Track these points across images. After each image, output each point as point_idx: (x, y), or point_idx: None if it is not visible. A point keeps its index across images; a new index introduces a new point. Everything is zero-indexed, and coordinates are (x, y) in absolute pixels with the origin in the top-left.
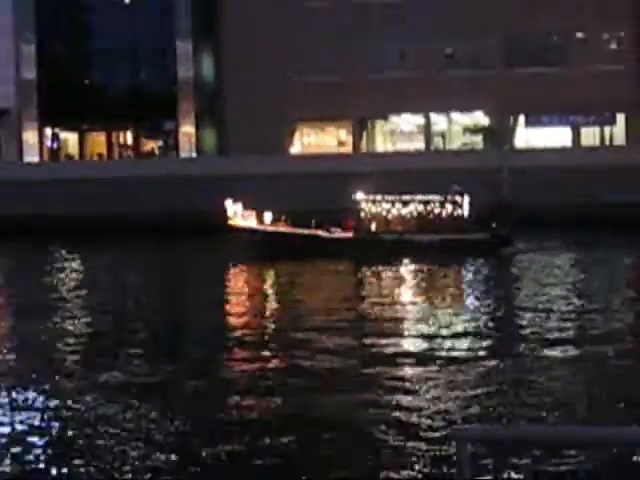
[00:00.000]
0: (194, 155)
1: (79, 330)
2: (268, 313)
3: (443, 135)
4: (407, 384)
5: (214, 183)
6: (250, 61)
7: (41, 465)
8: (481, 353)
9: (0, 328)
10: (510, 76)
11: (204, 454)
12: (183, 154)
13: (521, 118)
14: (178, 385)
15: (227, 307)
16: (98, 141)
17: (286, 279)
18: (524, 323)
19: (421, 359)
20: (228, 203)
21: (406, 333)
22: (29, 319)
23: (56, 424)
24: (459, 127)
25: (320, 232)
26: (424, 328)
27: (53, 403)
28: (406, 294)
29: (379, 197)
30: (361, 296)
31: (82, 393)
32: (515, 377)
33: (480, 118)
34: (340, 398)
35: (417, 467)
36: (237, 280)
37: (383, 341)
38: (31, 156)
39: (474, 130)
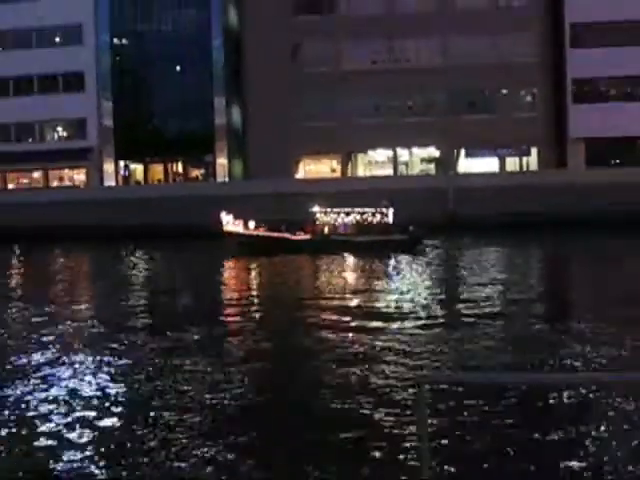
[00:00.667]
0: (227, 180)
1: (150, 302)
2: (254, 289)
3: (406, 164)
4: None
5: (222, 200)
6: (266, 111)
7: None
8: (405, 311)
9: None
10: (454, 121)
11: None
12: (219, 179)
13: (462, 151)
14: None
15: (226, 286)
16: (157, 170)
17: (264, 268)
18: (431, 292)
19: (363, 316)
20: (223, 215)
21: (349, 299)
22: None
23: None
24: (417, 158)
25: (288, 235)
26: (362, 298)
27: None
28: (348, 277)
29: (329, 209)
30: (317, 278)
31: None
32: (441, 333)
33: (433, 151)
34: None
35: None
36: (231, 269)
37: (335, 302)
38: (109, 182)
39: (428, 160)
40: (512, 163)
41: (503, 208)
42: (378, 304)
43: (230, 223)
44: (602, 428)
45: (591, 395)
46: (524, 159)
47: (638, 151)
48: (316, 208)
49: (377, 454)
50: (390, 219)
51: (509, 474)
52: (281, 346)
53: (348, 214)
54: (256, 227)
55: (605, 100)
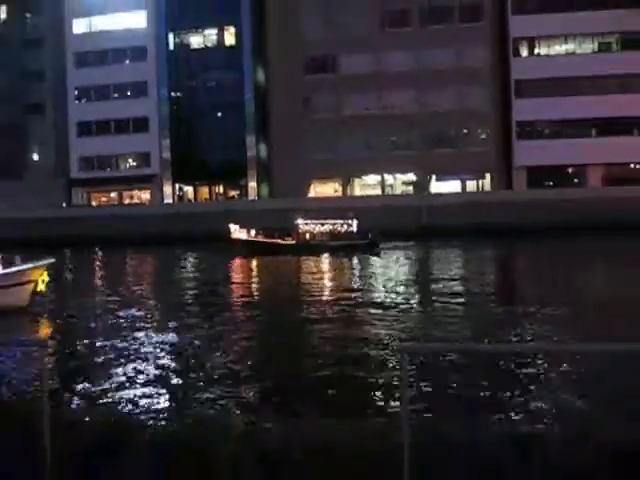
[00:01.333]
0: (256, 199)
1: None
2: (254, 278)
3: (391, 186)
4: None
5: (235, 214)
6: (285, 147)
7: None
8: (370, 295)
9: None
10: (428, 154)
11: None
12: (250, 197)
13: (433, 176)
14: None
15: (234, 277)
16: (204, 191)
17: (262, 265)
18: (385, 279)
19: (339, 291)
20: (231, 225)
21: (328, 285)
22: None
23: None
24: (399, 182)
25: (279, 240)
26: (336, 284)
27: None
28: (325, 270)
29: (309, 221)
30: (301, 271)
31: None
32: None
33: (411, 177)
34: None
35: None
36: (236, 265)
37: (316, 289)
38: (168, 200)
39: (408, 183)
40: (471, 185)
41: (464, 219)
42: (346, 284)
43: (237, 231)
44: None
45: (533, 361)
46: (480, 182)
47: (567, 176)
48: (300, 220)
49: (363, 410)
50: (354, 228)
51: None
52: (281, 316)
53: (323, 224)
54: (256, 234)
55: (542, 137)
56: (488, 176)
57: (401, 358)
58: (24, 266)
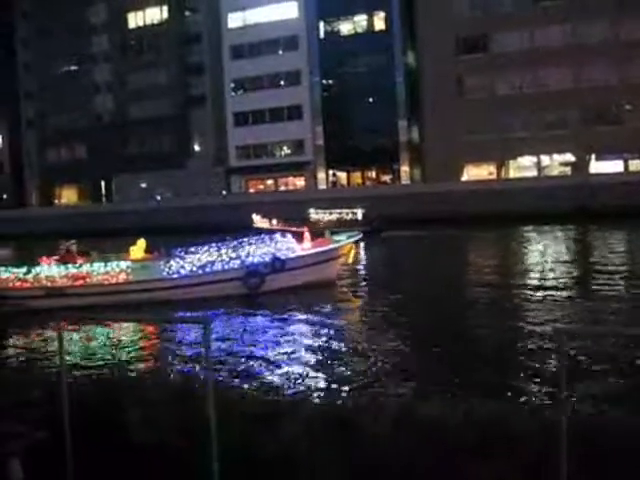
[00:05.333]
0: (409, 182)
1: None
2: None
3: (548, 167)
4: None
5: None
6: (438, 129)
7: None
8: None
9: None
10: (587, 132)
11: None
12: (403, 182)
13: (593, 156)
14: None
15: None
16: (356, 176)
17: None
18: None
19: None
20: (254, 215)
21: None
22: None
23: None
24: (556, 163)
25: (294, 228)
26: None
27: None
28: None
29: (320, 211)
30: None
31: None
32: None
33: (569, 157)
34: None
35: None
36: None
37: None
38: (321, 186)
39: (565, 164)
40: (635, 164)
41: (630, 201)
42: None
43: (259, 221)
44: None
45: None
46: None
47: None
48: (312, 210)
49: (520, 386)
50: (359, 217)
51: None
52: None
53: (331, 214)
54: (277, 223)
55: None
56: None
57: (558, 341)
58: (339, 243)
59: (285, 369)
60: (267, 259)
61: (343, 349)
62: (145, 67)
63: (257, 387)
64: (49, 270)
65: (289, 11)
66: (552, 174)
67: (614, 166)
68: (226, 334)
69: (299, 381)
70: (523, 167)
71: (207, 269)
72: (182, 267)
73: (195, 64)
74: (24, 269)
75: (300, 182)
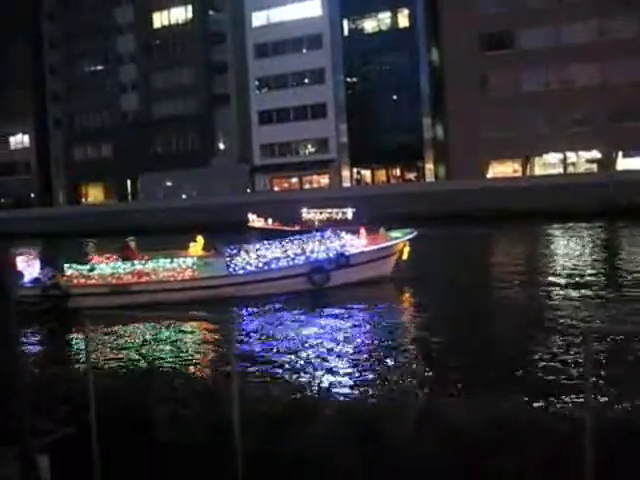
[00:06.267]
0: (433, 180)
1: None
2: None
3: (574, 164)
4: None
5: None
6: (462, 127)
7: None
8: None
9: None
10: (614, 129)
11: None
12: (427, 179)
13: (620, 153)
14: None
15: None
16: (381, 174)
17: None
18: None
19: None
20: (249, 215)
21: None
22: None
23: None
24: (583, 160)
25: (287, 227)
26: None
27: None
28: None
29: (311, 210)
30: None
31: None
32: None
33: (595, 154)
34: None
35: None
36: None
37: None
38: (346, 183)
39: (592, 161)
40: None
41: None
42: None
43: (254, 220)
44: None
45: None
46: None
47: None
48: (304, 209)
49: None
50: (349, 216)
51: None
52: None
53: (322, 213)
54: (272, 222)
55: None
56: None
57: (585, 341)
58: (395, 240)
59: (328, 364)
60: (332, 255)
61: (394, 346)
62: (170, 66)
63: (287, 383)
64: (114, 267)
65: (313, 9)
66: (578, 171)
67: None
68: (276, 330)
69: (330, 379)
70: (548, 164)
71: (272, 265)
72: (248, 263)
73: (219, 63)
74: (88, 266)
75: (324, 180)
